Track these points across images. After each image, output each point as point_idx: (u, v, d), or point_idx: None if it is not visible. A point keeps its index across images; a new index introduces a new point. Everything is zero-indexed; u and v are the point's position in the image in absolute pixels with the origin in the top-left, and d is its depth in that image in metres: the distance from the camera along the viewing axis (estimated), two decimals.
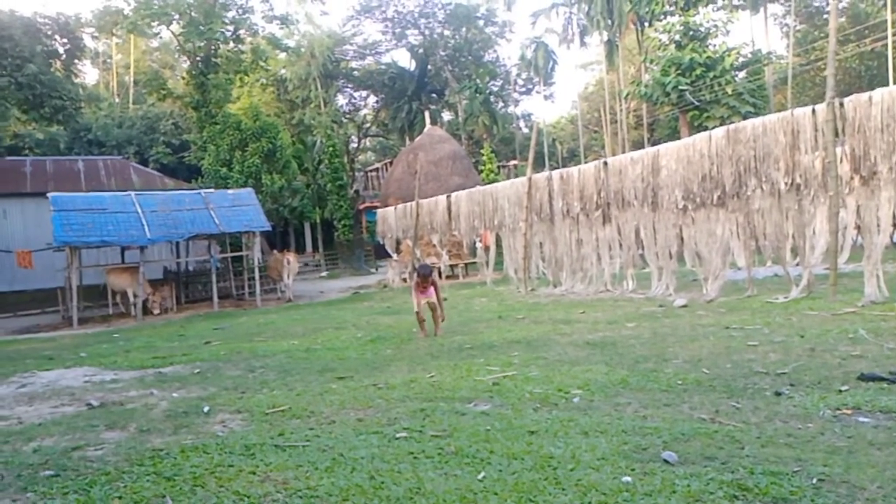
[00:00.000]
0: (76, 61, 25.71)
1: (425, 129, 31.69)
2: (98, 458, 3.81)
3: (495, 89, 45.26)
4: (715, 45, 30.00)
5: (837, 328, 6.38)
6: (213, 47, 29.62)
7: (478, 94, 40.34)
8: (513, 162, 40.87)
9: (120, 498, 3.08)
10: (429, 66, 44.16)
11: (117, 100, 44.31)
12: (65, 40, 24.16)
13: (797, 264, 9.71)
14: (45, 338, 13.83)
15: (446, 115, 46.92)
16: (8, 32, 20.99)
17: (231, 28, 30.13)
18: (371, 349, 7.79)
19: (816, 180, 8.56)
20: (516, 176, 25.61)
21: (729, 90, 28.62)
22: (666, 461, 3.16)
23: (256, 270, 19.09)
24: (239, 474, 3.31)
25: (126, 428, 4.57)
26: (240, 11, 30.58)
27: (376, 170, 42.84)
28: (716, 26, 30.09)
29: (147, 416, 4.89)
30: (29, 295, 21.99)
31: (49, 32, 23.61)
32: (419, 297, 8.48)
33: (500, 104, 44.96)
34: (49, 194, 18.45)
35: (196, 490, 3.12)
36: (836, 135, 8.26)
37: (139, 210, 18.20)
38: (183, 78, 33.94)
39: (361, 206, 36.93)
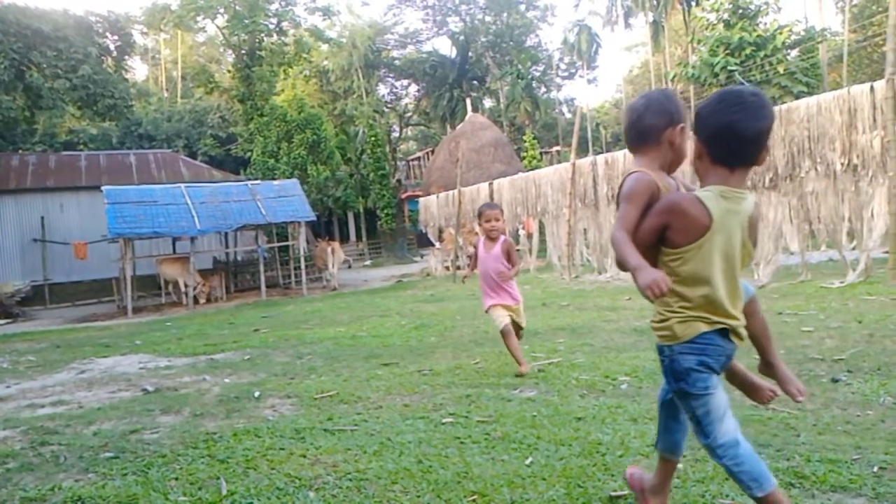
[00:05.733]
0: (126, 58, 26.40)
1: (467, 117, 31.60)
2: (154, 440, 3.93)
3: (537, 74, 44.83)
4: (765, 24, 29.10)
5: None
6: (257, 40, 30.06)
7: (519, 80, 40.01)
8: (556, 148, 40.43)
9: (176, 479, 3.17)
10: (470, 53, 43.96)
11: (166, 94, 45.42)
12: (115, 37, 24.81)
13: (854, 248, 9.37)
14: (101, 326, 14.33)
15: (488, 102, 46.70)
16: (63, 32, 21.66)
17: (274, 20, 30.54)
18: (415, 336, 7.83)
19: (875, 160, 8.23)
20: (559, 162, 25.38)
21: (781, 69, 27.72)
22: None
23: (302, 260, 19.38)
24: (290, 457, 3.37)
25: (180, 412, 4.70)
26: (283, 4, 30.97)
27: (418, 159, 42.94)
28: (766, 3, 29.18)
29: (200, 401, 5.02)
30: (85, 285, 22.82)
31: (100, 30, 24.28)
32: (490, 296, 5.35)
33: (543, 89, 44.52)
34: (103, 188, 19.08)
35: (249, 472, 3.19)
36: None
37: (189, 202, 18.65)
38: (228, 71, 34.57)
39: (404, 195, 37.09)
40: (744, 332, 2.15)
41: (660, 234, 2.07)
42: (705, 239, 2.03)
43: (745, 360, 2.42)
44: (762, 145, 2.04)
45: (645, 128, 2.23)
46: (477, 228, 18.53)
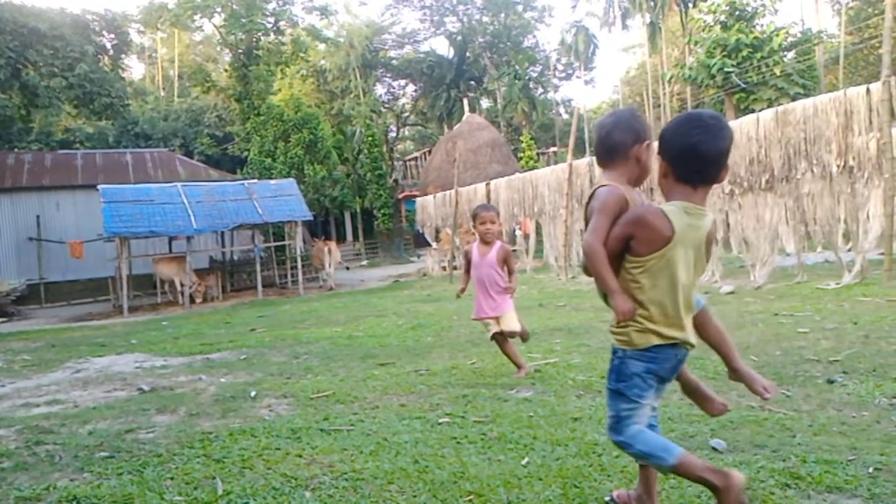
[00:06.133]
0: (123, 56, 26.34)
1: (464, 117, 31.60)
2: (150, 440, 3.92)
3: (534, 75, 44.85)
4: (762, 25, 29.15)
5: (893, 315, 6.16)
6: (254, 39, 30.04)
7: (517, 81, 40.01)
8: (553, 149, 40.46)
9: (172, 479, 3.16)
10: (467, 54, 43.98)
11: (163, 93, 45.33)
12: (112, 36, 24.78)
13: (849, 249, 9.39)
14: (97, 325, 14.30)
15: (485, 103, 46.71)
16: (59, 31, 21.61)
17: (272, 20, 30.52)
18: (412, 336, 7.83)
19: (871, 162, 8.25)
20: (556, 163, 25.42)
21: (777, 71, 27.78)
22: (714, 448, 3.11)
23: (299, 259, 19.36)
24: (286, 457, 3.37)
25: (176, 412, 4.69)
26: (280, 3, 30.98)
27: (415, 159, 42.95)
28: (763, 5, 29.22)
29: (196, 401, 5.01)
30: (81, 284, 22.74)
31: (97, 29, 24.23)
32: (481, 305, 5.12)
33: (540, 90, 44.53)
34: (99, 186, 19.04)
35: (245, 472, 3.18)
36: (893, 115, 7.94)
37: (185, 201, 18.62)
38: (225, 70, 34.53)
39: (401, 195, 37.09)
40: (693, 340, 2.28)
41: (625, 244, 2.20)
42: (667, 250, 2.16)
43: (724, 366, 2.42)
44: (722, 164, 2.18)
45: (613, 144, 2.38)
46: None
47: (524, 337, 5.31)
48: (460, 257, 17.76)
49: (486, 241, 5.08)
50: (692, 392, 2.53)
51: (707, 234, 2.23)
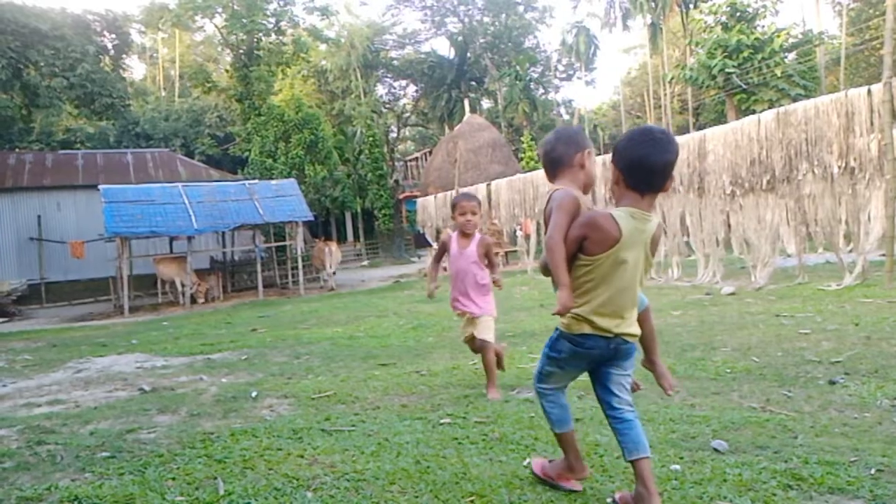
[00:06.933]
0: (124, 57, 26.35)
1: (465, 118, 31.60)
2: (151, 440, 3.92)
3: (535, 76, 44.86)
4: (763, 26, 29.13)
5: (894, 316, 6.16)
6: (255, 40, 30.05)
7: (518, 81, 40.03)
8: None
9: (173, 479, 3.16)
10: (468, 54, 44.00)
11: (164, 93, 45.34)
12: (113, 36, 24.78)
13: (851, 251, 9.39)
14: (98, 325, 14.30)
15: (486, 103, 46.72)
16: (60, 31, 21.61)
17: (273, 20, 30.51)
18: (413, 337, 7.83)
19: (872, 163, 8.26)
20: None
21: (778, 72, 27.76)
22: (716, 450, 3.10)
23: (300, 260, 19.37)
24: (287, 457, 3.37)
25: (177, 412, 4.69)
26: (281, 3, 30.96)
27: (416, 159, 42.97)
28: (764, 7, 29.21)
29: (197, 401, 5.01)
30: (82, 284, 22.77)
31: (98, 29, 24.23)
32: (459, 301, 4.67)
33: (541, 91, 44.54)
34: (100, 186, 19.05)
35: (246, 472, 3.18)
36: (894, 116, 7.94)
37: (186, 201, 18.64)
38: (226, 71, 34.54)
39: (401, 196, 37.10)
40: (632, 332, 2.52)
41: (580, 245, 2.46)
42: (615, 250, 2.40)
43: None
44: (668, 175, 2.40)
45: (558, 155, 2.69)
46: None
47: (500, 358, 4.72)
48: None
49: (465, 233, 4.66)
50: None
51: (652, 236, 2.47)
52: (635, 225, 2.40)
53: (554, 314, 2.48)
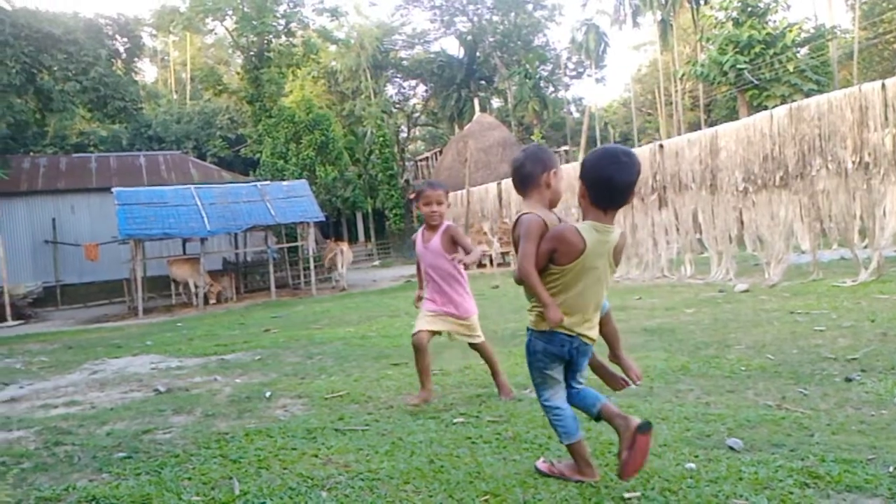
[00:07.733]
0: (136, 60, 26.52)
1: (475, 117, 31.59)
2: (167, 441, 3.95)
3: (545, 74, 44.76)
4: (775, 21, 28.93)
5: None
6: (265, 42, 30.16)
7: (527, 80, 39.97)
8: (564, 147, 40.27)
9: (189, 479, 3.18)
10: (477, 53, 43.97)
11: (175, 96, 45.60)
12: (125, 39, 24.92)
13: (865, 246, 9.30)
14: (112, 327, 14.41)
15: (496, 102, 46.67)
16: (73, 35, 21.77)
17: (283, 22, 30.61)
18: None
19: (887, 158, 8.18)
20: (567, 162, 25.34)
21: (790, 67, 27.56)
22: (731, 448, 3.08)
23: (311, 260, 19.43)
24: (302, 457, 3.38)
25: (192, 412, 4.72)
26: (291, 5, 31.05)
27: (426, 159, 42.93)
28: (776, 1, 28.99)
29: (212, 401, 5.04)
30: (97, 286, 22.96)
31: (110, 33, 24.39)
32: (434, 300, 4.37)
33: (550, 89, 44.45)
34: (113, 189, 19.19)
35: (261, 472, 3.20)
36: None
37: (199, 203, 18.75)
38: (237, 73, 34.70)
39: (412, 195, 37.10)
40: (591, 335, 2.79)
41: (549, 257, 2.71)
42: (581, 260, 2.67)
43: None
44: (629, 193, 2.66)
45: (527, 174, 2.90)
46: (485, 227, 18.52)
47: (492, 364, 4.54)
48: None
49: (431, 226, 4.30)
50: (598, 370, 3.06)
51: (616, 245, 2.72)
52: (598, 237, 2.66)
53: (548, 329, 2.77)
